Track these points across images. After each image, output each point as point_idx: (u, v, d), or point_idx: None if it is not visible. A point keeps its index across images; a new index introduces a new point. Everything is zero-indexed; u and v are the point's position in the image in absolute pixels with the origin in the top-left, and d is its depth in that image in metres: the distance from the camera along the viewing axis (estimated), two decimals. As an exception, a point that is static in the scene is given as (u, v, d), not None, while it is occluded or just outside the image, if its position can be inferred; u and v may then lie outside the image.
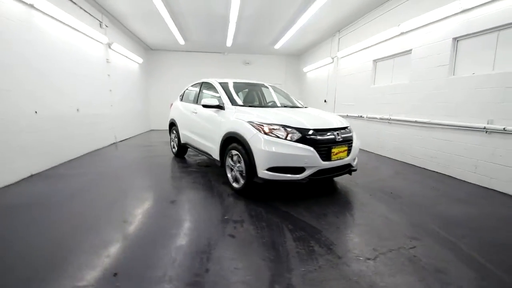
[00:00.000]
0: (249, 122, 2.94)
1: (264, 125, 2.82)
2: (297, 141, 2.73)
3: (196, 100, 4.46)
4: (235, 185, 3.23)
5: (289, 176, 2.73)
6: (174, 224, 2.40)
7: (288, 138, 2.74)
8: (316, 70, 9.49)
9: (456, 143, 4.01)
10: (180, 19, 6.69)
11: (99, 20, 6.07)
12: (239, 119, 3.13)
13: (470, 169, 3.82)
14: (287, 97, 4.42)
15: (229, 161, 3.30)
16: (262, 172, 2.75)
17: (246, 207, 2.79)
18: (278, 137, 2.75)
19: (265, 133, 2.78)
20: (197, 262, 1.81)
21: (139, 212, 2.67)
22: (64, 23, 4.66)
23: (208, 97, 4.01)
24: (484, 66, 3.66)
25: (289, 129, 2.77)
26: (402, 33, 5.07)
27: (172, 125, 5.41)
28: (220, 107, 3.58)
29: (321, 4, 5.48)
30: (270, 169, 2.72)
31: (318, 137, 2.81)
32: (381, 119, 5.74)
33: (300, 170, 2.75)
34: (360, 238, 2.22)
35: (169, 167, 4.56)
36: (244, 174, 3.01)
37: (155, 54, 10.45)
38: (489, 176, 3.57)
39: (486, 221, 2.59)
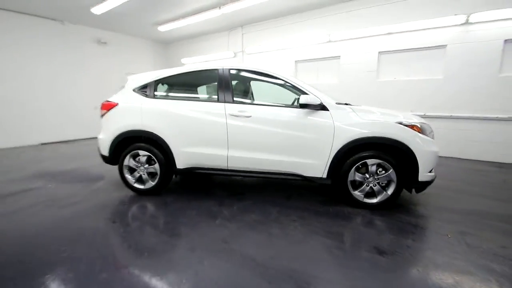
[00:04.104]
0: (401, 123, 2.57)
1: (419, 125, 2.62)
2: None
3: (232, 98, 2.86)
4: (368, 200, 2.69)
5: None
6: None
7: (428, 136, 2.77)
8: (205, 64, 8.65)
9: (386, 127, 5.74)
10: None
11: None
12: (377, 120, 2.61)
13: (398, 143, 5.68)
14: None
15: (355, 175, 2.65)
16: (424, 175, 2.59)
17: (427, 223, 2.52)
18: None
19: (421, 134, 2.61)
20: None
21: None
22: None
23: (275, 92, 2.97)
24: (402, 74, 5.50)
25: (429, 128, 2.78)
26: (330, 41, 6.12)
27: (130, 141, 3.02)
28: (322, 107, 2.69)
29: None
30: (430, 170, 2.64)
31: (430, 132, 3.07)
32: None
33: (428, 166, 2.89)
34: None
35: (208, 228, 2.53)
36: (386, 184, 2.64)
37: None
38: (411, 146, 5.55)
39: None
